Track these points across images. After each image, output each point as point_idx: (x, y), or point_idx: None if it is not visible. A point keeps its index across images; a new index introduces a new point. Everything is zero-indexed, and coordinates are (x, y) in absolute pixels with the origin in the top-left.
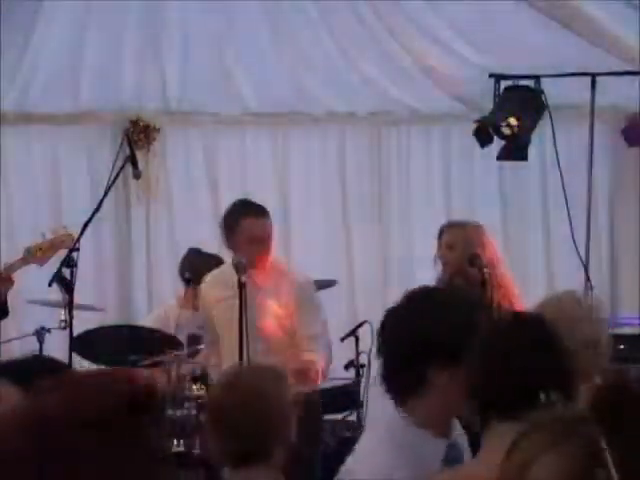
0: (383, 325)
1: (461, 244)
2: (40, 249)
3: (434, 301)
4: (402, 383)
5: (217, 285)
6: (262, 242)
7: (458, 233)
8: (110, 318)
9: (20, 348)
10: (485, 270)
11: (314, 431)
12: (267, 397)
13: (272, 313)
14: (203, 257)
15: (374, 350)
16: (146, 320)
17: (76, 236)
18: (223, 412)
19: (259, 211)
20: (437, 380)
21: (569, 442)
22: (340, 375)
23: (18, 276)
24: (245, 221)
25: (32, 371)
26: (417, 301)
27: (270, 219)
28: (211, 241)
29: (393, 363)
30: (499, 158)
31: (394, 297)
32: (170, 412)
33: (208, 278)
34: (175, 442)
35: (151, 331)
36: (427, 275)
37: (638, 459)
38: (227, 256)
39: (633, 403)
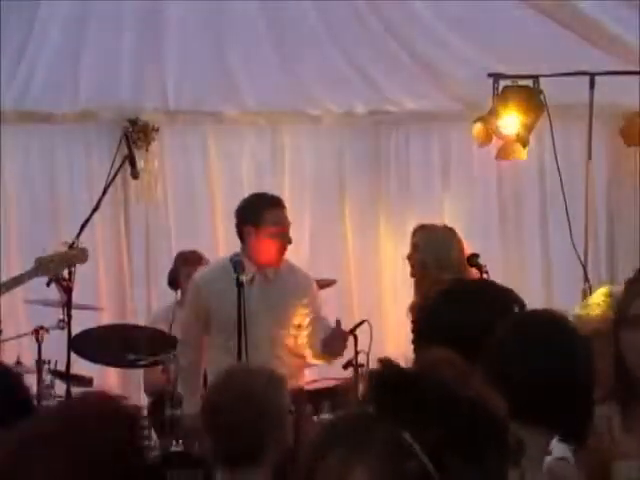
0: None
1: (425, 246)
2: (52, 261)
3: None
4: None
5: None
6: (285, 234)
7: (424, 235)
8: (108, 318)
9: (18, 348)
10: (484, 270)
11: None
12: (260, 399)
13: (294, 320)
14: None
15: (372, 349)
16: (145, 320)
17: (89, 251)
18: (217, 413)
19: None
20: None
21: (369, 450)
22: (339, 374)
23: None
24: (270, 213)
25: None
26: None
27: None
28: (210, 240)
29: None
30: (498, 158)
31: (393, 297)
32: (169, 412)
33: (207, 272)
34: (174, 442)
35: (150, 331)
36: None
37: None
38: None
39: None
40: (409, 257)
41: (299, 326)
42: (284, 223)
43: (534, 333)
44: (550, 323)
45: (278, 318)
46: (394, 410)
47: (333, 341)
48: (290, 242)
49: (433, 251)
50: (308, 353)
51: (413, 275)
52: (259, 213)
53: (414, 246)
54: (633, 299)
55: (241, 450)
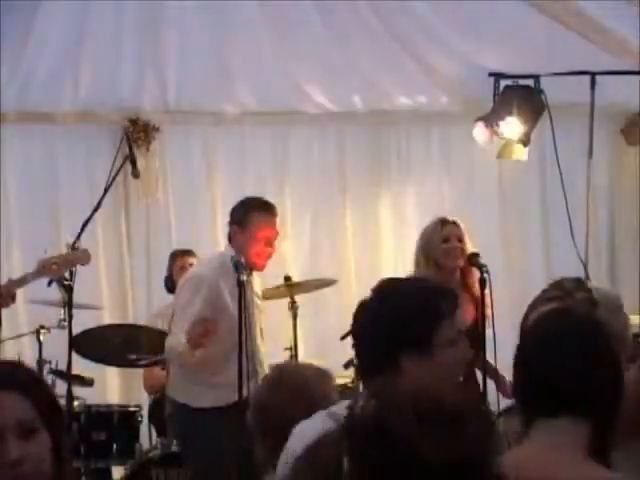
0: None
1: (464, 238)
2: (55, 263)
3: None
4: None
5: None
6: (269, 241)
7: (459, 228)
8: (109, 317)
9: (19, 347)
10: (485, 270)
11: None
12: (312, 395)
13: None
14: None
15: None
16: (145, 319)
17: (91, 253)
18: (268, 413)
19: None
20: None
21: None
22: (339, 374)
23: (17, 274)
24: (257, 217)
25: None
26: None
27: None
28: (210, 240)
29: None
30: (499, 157)
31: None
32: (169, 411)
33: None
34: (174, 442)
35: (150, 330)
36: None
37: None
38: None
39: None
40: (454, 249)
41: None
42: (270, 229)
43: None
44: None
45: (258, 318)
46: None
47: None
48: (273, 251)
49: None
50: None
51: (455, 266)
52: (246, 214)
53: (459, 238)
54: (532, 310)
55: None
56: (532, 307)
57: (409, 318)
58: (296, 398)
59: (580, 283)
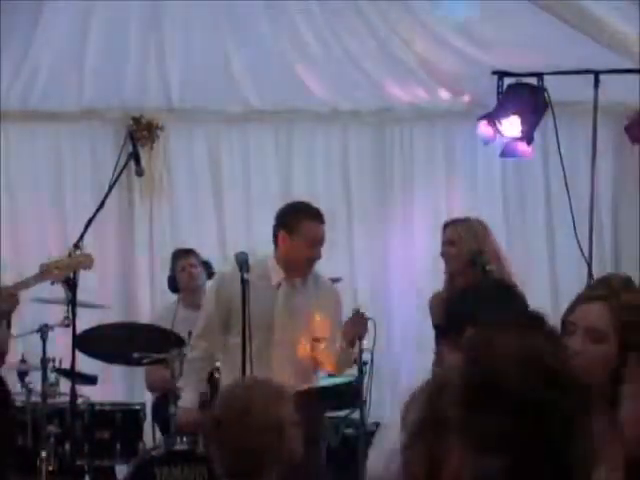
0: None
1: (463, 240)
2: (57, 267)
3: None
4: None
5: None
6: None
7: (460, 229)
8: (113, 316)
9: (23, 346)
10: (488, 268)
11: (314, 429)
12: (259, 414)
13: (311, 331)
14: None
15: (377, 347)
16: (149, 317)
17: (94, 257)
18: (219, 428)
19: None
20: None
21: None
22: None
23: (22, 274)
24: (307, 225)
25: None
26: None
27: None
28: (215, 238)
29: None
30: (502, 155)
31: (397, 295)
32: (173, 410)
33: (227, 272)
34: (179, 439)
35: (154, 329)
36: (429, 273)
37: None
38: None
39: None
40: (444, 253)
41: (317, 338)
42: (318, 238)
43: None
44: None
45: (299, 325)
46: (480, 404)
47: (353, 326)
48: (319, 257)
49: (474, 243)
50: (326, 364)
51: (450, 270)
52: (297, 222)
53: (450, 241)
54: (577, 305)
55: (242, 466)
56: (577, 302)
57: None
58: (243, 415)
59: (629, 283)
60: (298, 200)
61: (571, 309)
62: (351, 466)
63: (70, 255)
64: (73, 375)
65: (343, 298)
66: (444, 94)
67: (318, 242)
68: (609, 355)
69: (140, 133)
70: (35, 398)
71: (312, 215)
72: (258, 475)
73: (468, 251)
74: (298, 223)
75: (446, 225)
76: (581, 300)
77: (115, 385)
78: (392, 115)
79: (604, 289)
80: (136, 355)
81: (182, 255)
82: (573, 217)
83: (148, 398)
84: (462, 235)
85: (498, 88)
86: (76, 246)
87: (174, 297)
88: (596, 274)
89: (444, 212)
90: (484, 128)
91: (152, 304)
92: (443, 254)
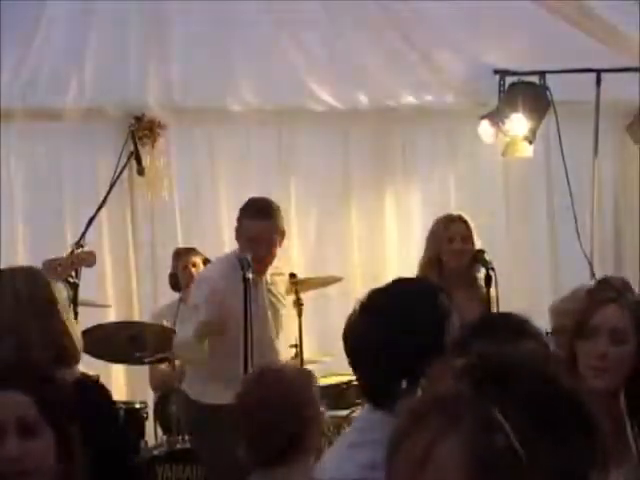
0: None
1: (472, 236)
2: (59, 265)
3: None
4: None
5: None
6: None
7: (469, 225)
8: (115, 315)
9: None
10: (490, 267)
11: None
12: (293, 397)
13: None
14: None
15: None
16: (150, 316)
17: (96, 251)
18: (249, 413)
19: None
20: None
21: (461, 422)
22: (345, 371)
23: None
24: (246, 222)
25: None
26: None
27: (270, 221)
28: (215, 237)
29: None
30: (504, 154)
31: None
32: (175, 409)
33: (219, 268)
34: (180, 439)
35: (156, 327)
36: None
37: None
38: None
39: None
40: (459, 251)
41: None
42: (254, 236)
43: None
44: None
45: (269, 320)
46: (487, 390)
47: None
48: (264, 255)
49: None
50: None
51: (456, 266)
52: (239, 221)
53: (464, 237)
54: (596, 309)
55: (275, 450)
56: (593, 305)
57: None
58: (278, 399)
59: (625, 283)
60: (257, 197)
61: (588, 312)
62: None
63: (72, 253)
64: None
65: (343, 297)
66: (446, 93)
67: (257, 241)
68: (632, 354)
69: (141, 132)
70: None
71: (250, 213)
72: (290, 460)
73: (472, 249)
74: (239, 222)
75: (454, 220)
76: (597, 303)
77: (117, 384)
78: (394, 115)
79: (611, 291)
80: (138, 354)
81: (184, 253)
82: (575, 215)
83: (150, 397)
84: (472, 231)
85: (500, 87)
86: (78, 244)
87: (176, 295)
88: (598, 273)
89: (445, 212)
90: (486, 127)
91: (154, 303)
92: (455, 252)
